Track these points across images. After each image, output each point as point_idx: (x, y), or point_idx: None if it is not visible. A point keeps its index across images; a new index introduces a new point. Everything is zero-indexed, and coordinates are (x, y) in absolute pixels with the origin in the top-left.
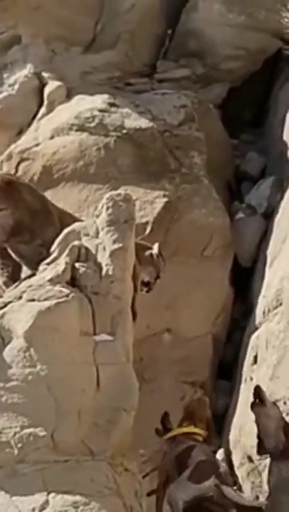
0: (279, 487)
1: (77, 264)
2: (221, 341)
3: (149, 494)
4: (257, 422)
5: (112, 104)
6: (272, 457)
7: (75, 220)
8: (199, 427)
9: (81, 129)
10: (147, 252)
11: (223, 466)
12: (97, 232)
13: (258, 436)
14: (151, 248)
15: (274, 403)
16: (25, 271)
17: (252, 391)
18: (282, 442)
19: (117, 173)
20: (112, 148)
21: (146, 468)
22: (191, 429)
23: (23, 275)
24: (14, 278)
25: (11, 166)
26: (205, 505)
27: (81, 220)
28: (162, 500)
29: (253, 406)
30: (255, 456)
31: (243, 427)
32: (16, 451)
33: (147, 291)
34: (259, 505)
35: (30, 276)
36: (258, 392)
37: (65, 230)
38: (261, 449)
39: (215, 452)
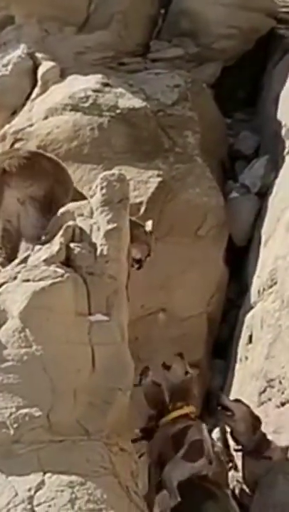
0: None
1: (71, 245)
2: (215, 321)
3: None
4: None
5: (105, 84)
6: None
7: (83, 198)
8: (193, 406)
9: (75, 109)
10: (140, 230)
11: (219, 446)
12: (92, 213)
13: (232, 437)
14: (143, 226)
15: (237, 400)
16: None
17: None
18: (253, 441)
19: (110, 153)
20: (106, 128)
21: (141, 448)
22: (188, 409)
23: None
24: (10, 259)
25: (5, 146)
26: (200, 484)
27: (85, 198)
28: (155, 479)
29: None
30: None
31: None
32: (11, 432)
33: (138, 268)
34: None
35: (25, 258)
36: (220, 402)
37: (60, 211)
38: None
39: (211, 431)
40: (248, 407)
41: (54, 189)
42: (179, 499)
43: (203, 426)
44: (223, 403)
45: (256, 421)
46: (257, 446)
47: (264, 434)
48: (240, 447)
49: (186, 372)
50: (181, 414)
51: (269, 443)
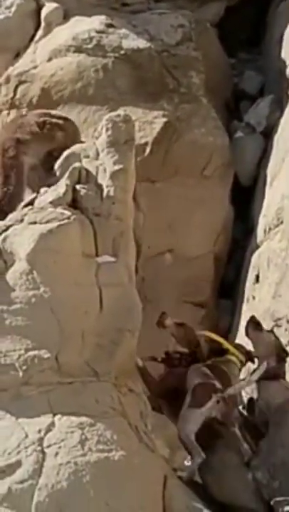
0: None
1: (78, 186)
2: (222, 261)
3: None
4: (253, 345)
5: (109, 25)
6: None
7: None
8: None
9: (79, 50)
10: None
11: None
12: (97, 154)
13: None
14: None
15: (269, 331)
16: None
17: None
18: (272, 367)
19: (115, 94)
20: (110, 69)
21: None
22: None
23: None
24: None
25: (9, 89)
26: (210, 425)
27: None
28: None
29: (248, 331)
30: None
31: (245, 346)
32: (20, 374)
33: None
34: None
35: (32, 200)
36: (253, 320)
37: (65, 153)
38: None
39: None
40: (277, 339)
41: (66, 141)
42: (204, 455)
43: (204, 368)
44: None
45: (283, 352)
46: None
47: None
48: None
49: None
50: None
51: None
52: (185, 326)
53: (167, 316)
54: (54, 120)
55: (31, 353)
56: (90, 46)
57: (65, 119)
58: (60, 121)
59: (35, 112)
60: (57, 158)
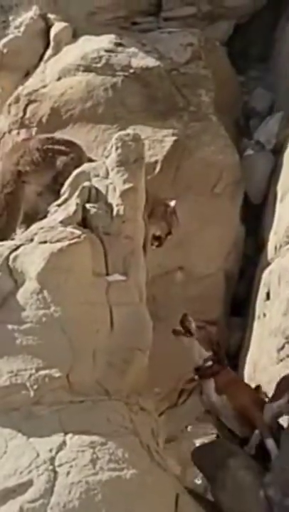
0: None
1: (88, 205)
2: (233, 278)
3: None
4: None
5: (118, 44)
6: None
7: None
8: None
9: (88, 69)
10: (160, 207)
11: None
12: (107, 173)
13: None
14: (168, 204)
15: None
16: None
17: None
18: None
19: (125, 113)
20: (120, 88)
21: (161, 407)
22: None
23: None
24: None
25: (19, 108)
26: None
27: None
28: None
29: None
30: (270, 392)
31: (257, 363)
32: (31, 393)
33: (158, 246)
34: None
35: (41, 219)
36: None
37: (75, 172)
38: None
39: None
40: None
41: (67, 167)
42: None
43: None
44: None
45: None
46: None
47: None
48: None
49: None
50: None
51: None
52: (204, 328)
53: (189, 318)
54: (56, 147)
55: (42, 372)
56: (99, 65)
57: (69, 143)
58: (63, 148)
59: (39, 138)
60: (62, 183)
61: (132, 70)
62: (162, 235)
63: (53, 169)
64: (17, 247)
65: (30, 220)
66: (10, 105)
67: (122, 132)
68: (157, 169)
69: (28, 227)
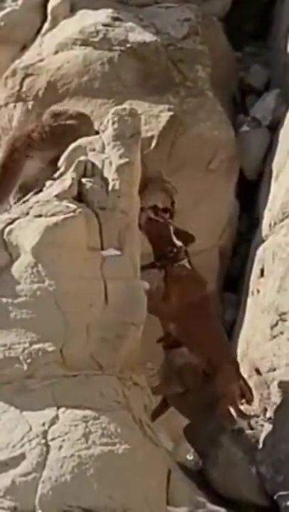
0: None
1: (83, 180)
2: (227, 254)
3: None
4: None
5: (115, 19)
6: None
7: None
8: None
9: (85, 43)
10: (158, 179)
11: None
12: (103, 147)
13: None
14: (161, 175)
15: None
16: None
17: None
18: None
19: (121, 88)
20: (116, 63)
21: (154, 382)
22: None
23: None
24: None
25: (16, 81)
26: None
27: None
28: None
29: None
30: (263, 369)
31: (250, 340)
32: (25, 367)
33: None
34: None
35: (37, 193)
36: None
37: (71, 146)
38: None
39: None
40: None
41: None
42: None
43: None
44: None
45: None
46: None
47: None
48: None
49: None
50: None
51: None
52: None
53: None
54: (69, 122)
55: (36, 346)
56: (96, 39)
57: (81, 116)
58: (74, 122)
59: (52, 112)
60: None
61: (128, 45)
62: (168, 206)
63: (59, 146)
64: (12, 221)
65: (24, 192)
66: (6, 78)
67: (119, 107)
68: (153, 144)
69: (20, 199)
